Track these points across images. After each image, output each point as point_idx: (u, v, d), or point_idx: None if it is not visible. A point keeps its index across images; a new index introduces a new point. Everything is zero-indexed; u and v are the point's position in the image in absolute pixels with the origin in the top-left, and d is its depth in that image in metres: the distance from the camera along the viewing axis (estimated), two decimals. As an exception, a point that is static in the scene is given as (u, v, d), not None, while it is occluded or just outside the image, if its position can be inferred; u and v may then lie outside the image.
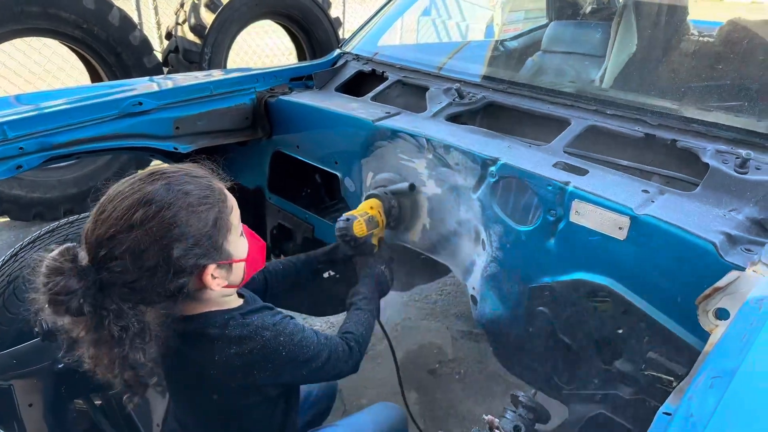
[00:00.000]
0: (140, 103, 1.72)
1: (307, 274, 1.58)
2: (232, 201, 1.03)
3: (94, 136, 1.65)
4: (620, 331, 1.25)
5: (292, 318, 1.12)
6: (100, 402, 1.63)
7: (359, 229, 1.45)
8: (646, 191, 1.24)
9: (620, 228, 1.18)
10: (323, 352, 1.12)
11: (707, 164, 1.29)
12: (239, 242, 1.04)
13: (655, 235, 1.14)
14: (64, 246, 0.89)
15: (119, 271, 0.89)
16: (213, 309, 1.03)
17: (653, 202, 1.20)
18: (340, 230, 1.44)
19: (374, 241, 1.56)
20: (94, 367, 0.95)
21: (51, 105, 1.60)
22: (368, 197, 1.60)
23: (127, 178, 0.96)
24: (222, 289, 1.01)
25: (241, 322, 1.02)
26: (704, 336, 1.05)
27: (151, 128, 1.76)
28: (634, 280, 1.19)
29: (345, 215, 1.47)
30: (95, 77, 3.85)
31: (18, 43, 3.80)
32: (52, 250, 0.89)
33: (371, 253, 1.54)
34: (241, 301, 1.11)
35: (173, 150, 1.82)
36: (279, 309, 1.15)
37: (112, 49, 3.63)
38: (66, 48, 3.76)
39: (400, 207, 1.62)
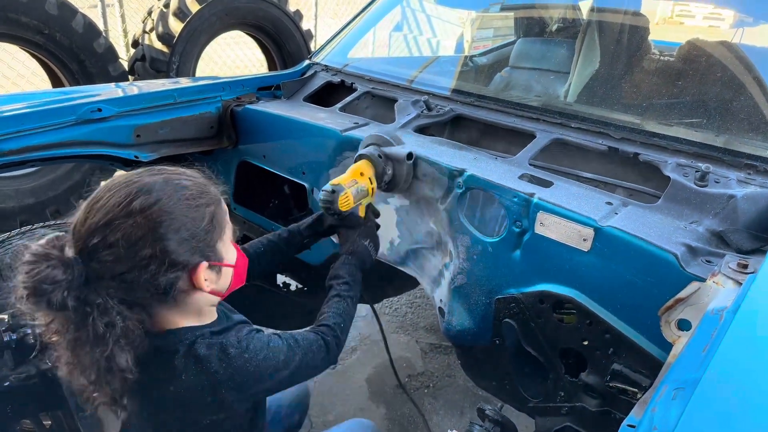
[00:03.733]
0: (99, 110, 1.66)
1: (291, 250, 1.47)
2: (225, 206, 1.03)
3: (49, 143, 1.59)
4: (585, 343, 1.25)
5: (260, 331, 1.09)
6: (49, 422, 1.54)
7: (345, 203, 1.30)
8: (609, 203, 1.25)
9: (584, 239, 1.19)
10: (294, 359, 1.07)
11: (668, 177, 1.31)
12: (230, 247, 1.04)
13: (618, 246, 1.14)
14: (54, 234, 0.88)
15: (111, 260, 0.87)
16: (187, 324, 1.00)
17: (617, 214, 1.21)
18: (324, 202, 1.30)
19: (361, 210, 1.41)
20: (69, 374, 0.92)
21: (3, 109, 1.53)
22: (359, 158, 1.45)
23: (123, 173, 0.96)
24: (208, 295, 0.99)
25: (208, 342, 0.99)
26: (667, 347, 1.06)
27: (110, 136, 1.71)
28: (599, 291, 1.20)
29: (331, 184, 1.31)
30: (57, 85, 3.73)
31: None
32: (40, 237, 0.87)
33: (357, 224, 1.39)
34: (215, 317, 1.07)
35: (134, 158, 1.77)
36: (251, 324, 1.11)
37: (75, 56, 3.53)
38: (27, 54, 3.65)
39: (395, 173, 1.46)
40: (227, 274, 1.03)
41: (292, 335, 1.10)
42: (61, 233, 0.89)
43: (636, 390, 1.18)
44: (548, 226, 1.23)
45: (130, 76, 4.19)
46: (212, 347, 0.98)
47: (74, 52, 3.51)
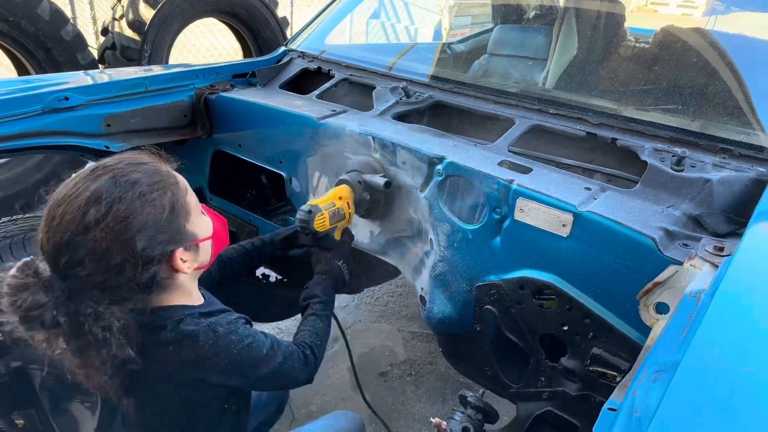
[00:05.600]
0: (66, 98, 1.60)
1: (263, 260, 1.52)
2: (183, 182, 1.00)
3: (13, 134, 1.52)
4: (565, 328, 1.26)
5: (246, 321, 1.10)
6: (21, 422, 1.50)
7: (320, 224, 1.34)
8: (588, 189, 1.25)
9: (563, 225, 1.19)
10: (276, 357, 1.08)
11: (646, 162, 1.32)
12: (201, 221, 1.02)
13: (597, 231, 1.15)
14: (22, 261, 0.87)
15: (86, 274, 0.87)
16: (176, 303, 1.02)
17: (595, 199, 1.21)
18: (301, 221, 1.33)
19: (337, 233, 1.44)
20: (85, 377, 0.94)
21: (-37, 99, 1.47)
22: (339, 182, 1.48)
23: (69, 180, 0.92)
24: (193, 271, 1.00)
25: (196, 321, 1.01)
26: (646, 330, 1.07)
27: (79, 125, 1.65)
28: (578, 276, 1.20)
29: (308, 204, 1.35)
30: (23, 74, 3.60)
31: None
32: (9, 268, 0.86)
33: (331, 247, 1.42)
34: (203, 300, 1.10)
35: (104, 149, 1.71)
36: (235, 313, 1.11)
37: (41, 44, 3.41)
38: (-10, 42, 3.51)
39: (372, 200, 1.50)
40: (206, 246, 1.03)
41: (275, 337, 1.12)
42: (29, 258, 0.88)
43: (615, 374, 1.19)
44: (528, 213, 1.23)
45: (100, 65, 4.07)
46: (200, 324, 1.00)
47: (40, 40, 3.39)
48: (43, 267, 0.88)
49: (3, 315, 0.84)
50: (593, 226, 1.15)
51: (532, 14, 2.96)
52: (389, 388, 2.39)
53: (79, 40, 3.61)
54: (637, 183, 1.30)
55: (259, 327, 2.65)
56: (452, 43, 3.09)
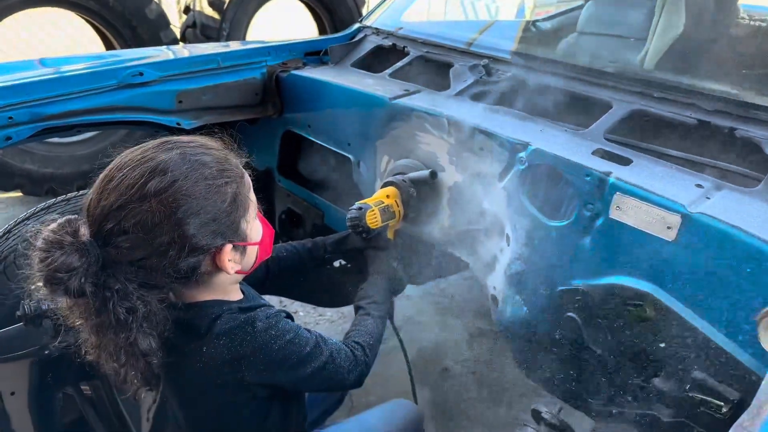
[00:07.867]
0: (141, 74, 1.60)
1: (312, 263, 1.46)
2: (248, 179, 0.96)
3: (89, 108, 1.54)
4: (662, 345, 1.09)
5: (288, 316, 1.03)
6: (89, 391, 1.54)
7: (372, 220, 1.32)
8: (699, 186, 1.07)
9: (669, 227, 1.02)
10: (321, 355, 1.01)
11: (773, 157, 1.11)
12: (255, 224, 0.97)
13: (710, 237, 0.97)
14: (65, 218, 0.82)
15: (127, 246, 0.82)
16: (213, 298, 0.96)
17: (708, 198, 1.04)
18: (352, 220, 1.32)
19: (389, 233, 1.43)
20: (98, 358, 0.89)
21: (45, 73, 1.49)
22: (385, 184, 1.46)
23: (137, 146, 0.88)
24: (234, 274, 0.94)
25: (235, 316, 0.95)
26: (765, 358, 0.91)
27: (152, 101, 1.65)
28: (683, 288, 1.03)
29: (358, 203, 1.34)
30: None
31: (33, 15, 3.73)
32: (51, 222, 0.81)
33: (385, 247, 1.41)
34: (241, 295, 1.03)
35: (176, 125, 1.70)
36: (276, 308, 1.04)
37: (127, 22, 3.53)
38: (83, 21, 3.68)
39: (420, 197, 1.46)
40: (252, 251, 0.97)
41: (321, 334, 1.04)
42: (72, 216, 0.82)
43: (721, 403, 1.02)
44: (626, 211, 1.07)
45: (181, 43, 4.18)
46: (237, 320, 0.94)
47: (126, 18, 3.51)
48: (84, 230, 0.82)
49: (30, 271, 0.79)
50: (706, 230, 0.98)
51: (629, -12, 2.68)
52: (451, 385, 2.28)
53: (162, 19, 3.71)
54: (760, 181, 1.10)
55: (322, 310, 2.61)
56: (537, 20, 2.88)
